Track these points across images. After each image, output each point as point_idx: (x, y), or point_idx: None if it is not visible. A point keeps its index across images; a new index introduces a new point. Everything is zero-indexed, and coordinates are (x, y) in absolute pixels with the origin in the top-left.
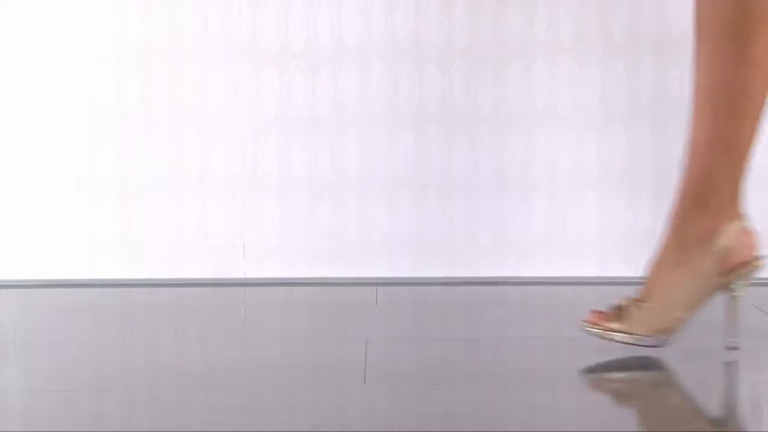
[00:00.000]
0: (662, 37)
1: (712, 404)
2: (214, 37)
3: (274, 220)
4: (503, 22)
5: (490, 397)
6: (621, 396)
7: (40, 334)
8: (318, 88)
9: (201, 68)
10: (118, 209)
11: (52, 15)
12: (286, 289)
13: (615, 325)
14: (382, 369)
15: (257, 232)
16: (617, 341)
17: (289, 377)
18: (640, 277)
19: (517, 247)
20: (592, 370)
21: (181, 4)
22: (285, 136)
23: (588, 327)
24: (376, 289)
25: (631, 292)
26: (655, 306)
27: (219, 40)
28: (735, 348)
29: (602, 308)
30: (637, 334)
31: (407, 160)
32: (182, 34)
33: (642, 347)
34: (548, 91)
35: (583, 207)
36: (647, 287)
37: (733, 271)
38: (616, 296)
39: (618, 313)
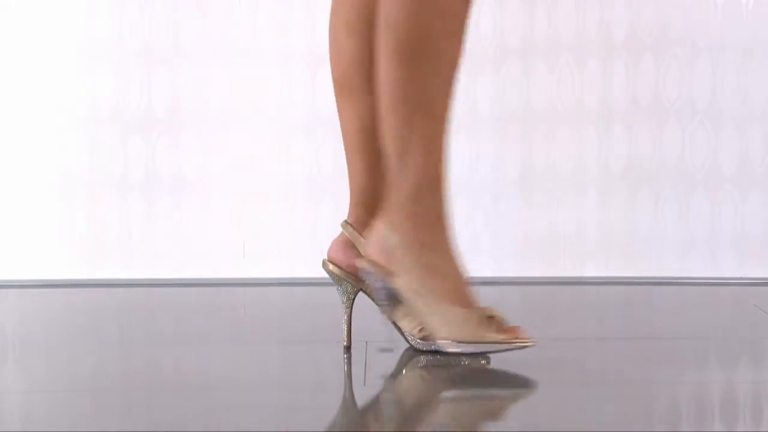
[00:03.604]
0: (662, 37)
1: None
2: (214, 36)
3: (274, 220)
4: (503, 21)
5: (492, 397)
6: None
7: (40, 334)
8: (318, 87)
9: (201, 68)
10: (118, 209)
11: (51, 15)
12: (286, 289)
13: None
14: (381, 371)
15: (257, 232)
16: None
17: (287, 378)
18: (640, 277)
19: (517, 248)
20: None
21: (183, 4)
22: (285, 136)
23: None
24: None
25: (631, 291)
26: None
27: (219, 40)
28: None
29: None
30: None
31: None
32: (182, 34)
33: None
34: (548, 91)
35: (584, 207)
36: None
37: None
38: (616, 296)
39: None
